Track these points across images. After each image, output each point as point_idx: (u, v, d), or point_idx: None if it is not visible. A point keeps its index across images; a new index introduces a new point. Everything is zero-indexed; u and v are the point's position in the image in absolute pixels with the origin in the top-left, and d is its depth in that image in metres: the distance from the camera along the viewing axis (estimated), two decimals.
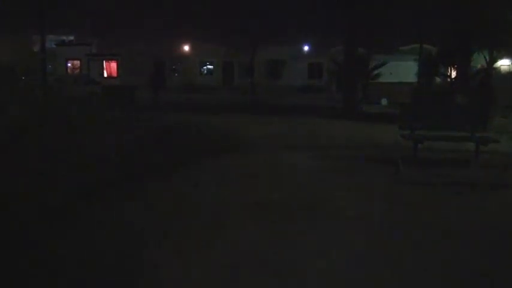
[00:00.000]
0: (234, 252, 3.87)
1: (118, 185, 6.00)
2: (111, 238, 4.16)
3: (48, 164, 6.36)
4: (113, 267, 3.58)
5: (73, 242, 4.07)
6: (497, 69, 21.75)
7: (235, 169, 7.20)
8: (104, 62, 41.96)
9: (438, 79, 23.12)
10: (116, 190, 5.77)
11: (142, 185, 6.06)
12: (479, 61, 21.05)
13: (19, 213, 4.68)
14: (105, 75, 41.45)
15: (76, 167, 6.50)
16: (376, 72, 27.46)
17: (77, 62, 42.32)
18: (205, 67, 44.06)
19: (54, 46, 40.79)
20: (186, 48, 42.75)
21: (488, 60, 20.45)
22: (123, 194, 5.62)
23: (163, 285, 3.31)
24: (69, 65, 42.57)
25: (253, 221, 4.64)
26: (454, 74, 21.74)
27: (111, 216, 4.79)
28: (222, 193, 5.70)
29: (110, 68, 42.04)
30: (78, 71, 41.67)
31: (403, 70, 29.27)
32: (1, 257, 3.71)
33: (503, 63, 23.14)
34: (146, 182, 6.20)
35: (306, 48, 44.18)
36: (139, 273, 3.47)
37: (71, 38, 45.91)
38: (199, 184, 6.19)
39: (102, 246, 3.98)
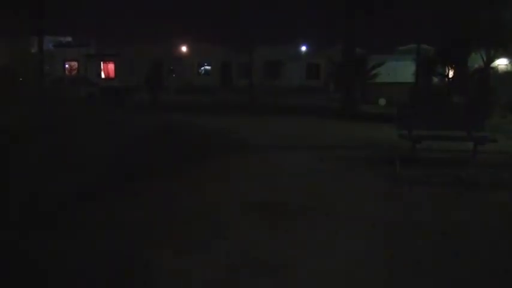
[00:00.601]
0: (234, 250, 3.88)
1: (118, 186, 6.00)
2: (111, 237, 4.17)
3: (47, 165, 6.37)
4: (113, 267, 3.59)
5: (72, 242, 4.07)
6: (495, 69, 21.77)
7: (235, 170, 7.22)
8: (102, 63, 41.90)
9: (436, 79, 23.16)
10: (115, 191, 5.78)
11: (142, 186, 6.06)
12: (476, 61, 21.09)
13: (19, 214, 4.68)
14: (103, 76, 41.39)
15: (75, 168, 6.51)
16: (374, 72, 27.56)
17: (75, 63, 42.23)
18: (203, 68, 44.03)
19: (51, 47, 40.69)
20: (184, 48, 42.73)
21: (485, 59, 20.48)
22: (123, 195, 5.62)
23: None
24: (66, 66, 42.47)
25: (253, 221, 4.66)
26: (451, 73, 21.77)
27: (111, 216, 4.79)
28: (222, 193, 5.72)
29: (107, 69, 41.97)
30: (75, 72, 41.58)
31: (401, 70, 29.31)
32: (1, 258, 3.72)
33: (500, 63, 23.16)
34: (146, 183, 6.20)
35: (304, 48, 44.19)
36: (140, 272, 3.48)
37: (69, 39, 45.78)
38: (200, 185, 6.20)
39: (102, 246, 3.98)
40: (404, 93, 22.05)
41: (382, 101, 24.54)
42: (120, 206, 5.18)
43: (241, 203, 5.28)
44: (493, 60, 20.87)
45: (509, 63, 23.37)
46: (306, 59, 42.26)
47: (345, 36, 19.13)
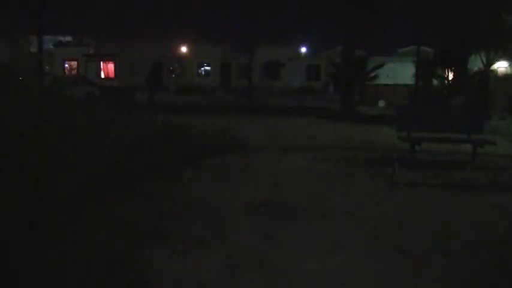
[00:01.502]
0: (234, 250, 3.88)
1: (117, 185, 6.00)
2: (111, 237, 4.17)
3: (47, 165, 6.36)
4: (113, 267, 3.59)
5: (71, 243, 4.07)
6: (495, 72, 21.78)
7: (235, 170, 7.22)
8: (102, 62, 41.90)
9: (435, 81, 23.18)
10: (114, 191, 5.77)
11: (142, 186, 6.06)
12: (476, 63, 21.10)
13: (18, 214, 4.68)
14: (103, 76, 41.38)
15: (75, 168, 6.50)
16: (373, 74, 27.61)
17: (74, 63, 42.22)
18: (202, 68, 44.05)
19: (51, 47, 40.67)
20: (184, 49, 42.76)
21: (485, 62, 20.50)
22: (123, 195, 5.61)
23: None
24: (66, 65, 42.46)
25: (252, 221, 4.66)
26: (451, 75, 21.79)
27: (111, 216, 4.79)
28: (221, 193, 5.72)
29: (107, 68, 41.97)
30: (75, 71, 41.57)
31: (400, 72, 29.38)
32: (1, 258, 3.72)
33: (500, 66, 23.18)
34: (146, 183, 6.19)
35: (304, 49, 44.26)
36: (139, 272, 3.48)
37: (68, 38, 45.78)
38: (200, 185, 6.20)
39: (102, 246, 3.98)
40: (403, 95, 22.08)
41: (381, 103, 24.58)
42: (120, 205, 5.18)
43: (240, 203, 5.29)
44: (492, 63, 20.88)
45: (509, 65, 23.39)
46: (306, 60, 42.31)
47: (345, 38, 19.15)
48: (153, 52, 38.55)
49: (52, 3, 23.50)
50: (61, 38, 44.22)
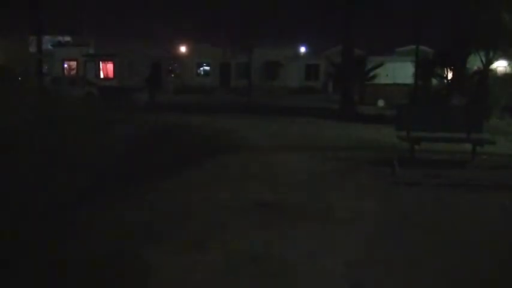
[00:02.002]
0: (233, 250, 3.88)
1: (116, 186, 6.00)
2: (111, 237, 4.17)
3: (47, 165, 6.37)
4: (113, 267, 3.59)
5: (71, 242, 4.07)
6: (494, 71, 21.77)
7: (235, 170, 7.22)
8: (101, 63, 41.86)
9: (435, 80, 23.17)
10: (114, 191, 5.77)
11: (142, 186, 6.06)
12: (475, 63, 21.10)
13: (17, 214, 4.68)
14: (102, 76, 41.33)
15: (74, 168, 6.51)
16: (373, 73, 27.62)
17: (74, 63, 42.17)
18: (202, 68, 44.01)
19: (50, 47, 40.62)
20: (183, 49, 42.73)
21: (484, 61, 20.50)
22: (122, 196, 5.62)
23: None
24: (65, 65, 42.42)
25: (252, 221, 4.66)
26: (450, 75, 21.78)
27: (110, 216, 4.79)
28: (222, 193, 5.72)
29: (106, 69, 41.92)
30: (74, 71, 41.54)
31: (400, 71, 29.37)
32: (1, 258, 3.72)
33: (499, 65, 23.17)
34: (146, 183, 6.20)
35: (302, 49, 44.25)
36: (139, 272, 3.48)
37: (68, 38, 45.73)
38: (200, 185, 6.20)
39: (102, 246, 3.98)
40: (403, 95, 22.07)
41: (381, 102, 24.57)
42: (120, 205, 5.18)
43: (241, 203, 5.29)
44: (492, 62, 20.88)
45: (508, 65, 23.41)
46: (305, 59, 42.29)
47: (344, 37, 19.16)
48: (152, 52, 38.49)
49: (52, 3, 23.43)
50: (60, 38, 44.15)
